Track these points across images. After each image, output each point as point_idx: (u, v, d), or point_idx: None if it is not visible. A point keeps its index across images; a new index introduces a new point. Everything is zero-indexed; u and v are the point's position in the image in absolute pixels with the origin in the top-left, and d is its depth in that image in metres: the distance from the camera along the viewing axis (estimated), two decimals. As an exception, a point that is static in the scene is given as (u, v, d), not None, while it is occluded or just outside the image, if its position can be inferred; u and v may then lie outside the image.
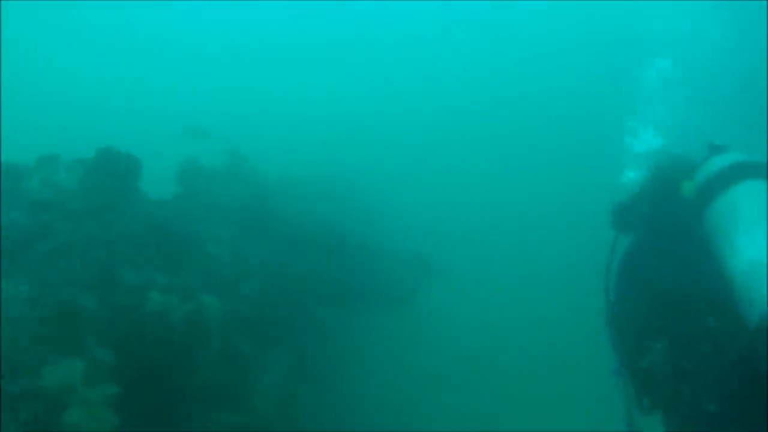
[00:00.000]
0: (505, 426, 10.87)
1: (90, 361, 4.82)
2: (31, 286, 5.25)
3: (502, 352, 13.30)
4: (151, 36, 27.83)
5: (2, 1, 19.22)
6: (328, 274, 9.64)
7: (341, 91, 25.38)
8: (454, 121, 23.63)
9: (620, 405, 3.19)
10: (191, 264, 7.36)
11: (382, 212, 12.16)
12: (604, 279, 3.40)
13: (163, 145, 11.75)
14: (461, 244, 15.78)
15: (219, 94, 23.47)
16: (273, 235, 9.45)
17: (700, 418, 2.44)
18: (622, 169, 3.70)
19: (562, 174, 20.00)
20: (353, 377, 9.43)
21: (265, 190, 10.38)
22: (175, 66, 25.91)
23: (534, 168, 21.21)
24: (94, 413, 4.17)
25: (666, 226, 3.19)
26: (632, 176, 3.59)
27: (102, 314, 5.77)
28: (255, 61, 27.40)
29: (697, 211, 2.75)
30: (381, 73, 26.83)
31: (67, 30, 26.55)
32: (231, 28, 29.18)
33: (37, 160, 7.07)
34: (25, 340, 4.66)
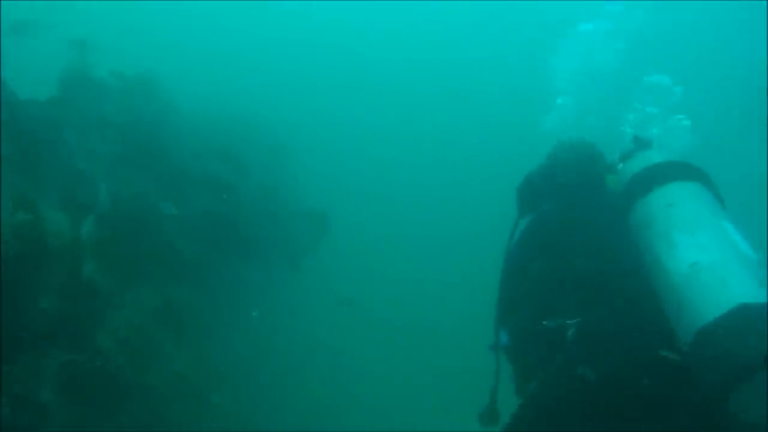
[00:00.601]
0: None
1: None
2: None
3: (396, 321, 12.91)
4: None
5: None
6: (217, 215, 8.75)
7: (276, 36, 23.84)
8: (374, 79, 22.81)
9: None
10: (49, 175, 6.30)
11: (286, 162, 11.28)
12: (505, 252, 3.20)
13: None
14: (365, 203, 15.24)
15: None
16: (161, 162, 8.42)
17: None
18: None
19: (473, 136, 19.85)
20: (229, 329, 8.65)
21: (161, 113, 9.28)
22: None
23: (445, 127, 20.91)
24: None
25: (580, 208, 3.10)
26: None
27: None
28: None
29: (625, 200, 2.72)
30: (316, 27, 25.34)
31: None
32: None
33: None
34: None
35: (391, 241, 15.94)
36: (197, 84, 12.87)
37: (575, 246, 2.82)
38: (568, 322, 2.51)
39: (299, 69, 21.99)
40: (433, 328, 12.59)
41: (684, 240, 2.30)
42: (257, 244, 9.36)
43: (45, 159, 6.33)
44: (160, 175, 8.19)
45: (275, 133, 11.36)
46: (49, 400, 4.98)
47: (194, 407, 6.77)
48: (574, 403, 2.31)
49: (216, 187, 8.72)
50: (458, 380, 10.75)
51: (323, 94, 20.70)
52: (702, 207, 2.45)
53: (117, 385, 5.89)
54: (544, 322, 2.57)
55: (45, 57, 8.40)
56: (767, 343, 1.91)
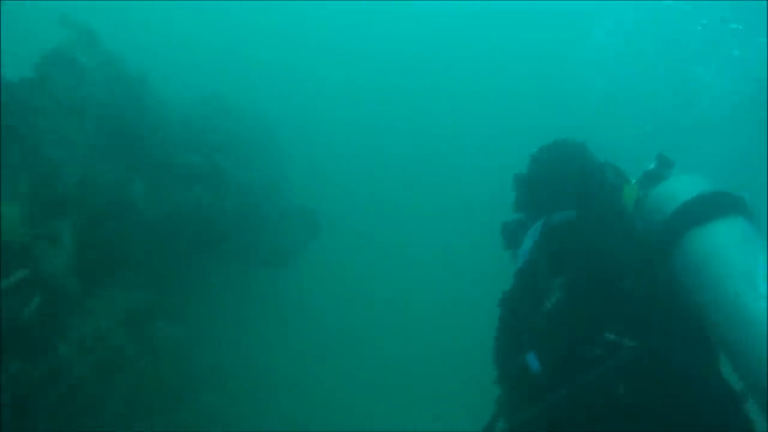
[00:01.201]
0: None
1: None
2: None
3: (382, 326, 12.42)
4: None
5: None
6: (201, 210, 8.16)
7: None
8: (370, 74, 22.20)
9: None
10: (13, 163, 5.72)
11: (276, 158, 10.67)
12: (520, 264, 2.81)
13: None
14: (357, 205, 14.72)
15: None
16: (142, 153, 7.83)
17: None
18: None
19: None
20: (208, 337, 8.08)
21: (144, 102, 8.66)
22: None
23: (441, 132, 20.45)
24: None
25: (608, 219, 2.83)
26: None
27: None
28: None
29: (675, 226, 2.61)
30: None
31: None
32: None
33: None
34: None
35: (385, 245, 15.44)
36: (186, 75, 12.30)
37: (617, 262, 2.55)
38: (626, 340, 2.24)
39: (296, 65, 21.39)
40: (427, 340, 12.13)
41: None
42: (241, 244, 8.81)
43: (8, 146, 5.75)
44: (140, 166, 7.60)
45: (265, 128, 10.77)
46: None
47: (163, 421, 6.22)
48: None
49: (199, 181, 8.13)
50: (450, 389, 10.36)
51: (322, 92, 20.15)
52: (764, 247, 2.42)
53: (78, 399, 5.34)
54: (606, 334, 2.26)
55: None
56: None
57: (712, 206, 2.56)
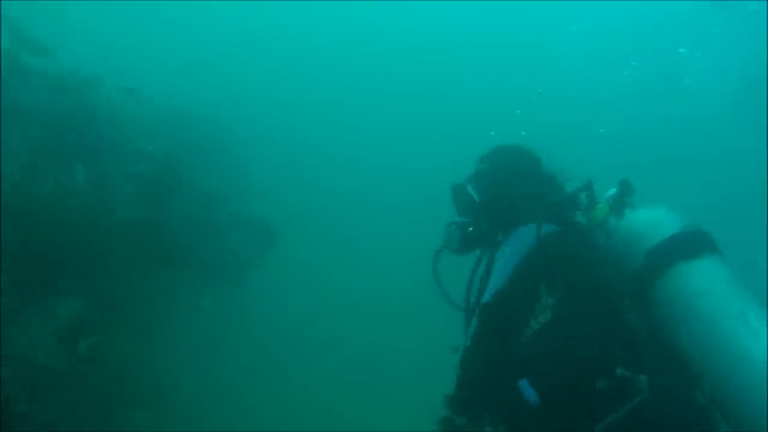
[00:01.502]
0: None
1: None
2: None
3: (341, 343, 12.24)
4: None
5: None
6: (149, 218, 7.89)
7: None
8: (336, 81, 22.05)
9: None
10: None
11: (232, 167, 10.41)
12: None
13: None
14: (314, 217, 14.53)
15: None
16: (87, 158, 7.53)
17: None
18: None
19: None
20: (155, 351, 7.80)
21: (93, 104, 8.34)
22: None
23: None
24: None
25: (588, 237, 2.73)
26: None
27: None
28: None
29: (656, 259, 2.52)
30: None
31: None
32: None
33: None
34: None
35: (347, 255, 15.29)
36: (142, 80, 11.99)
37: (611, 283, 2.50)
38: (640, 376, 2.16)
39: (257, 72, 21.12)
40: (392, 348, 12.00)
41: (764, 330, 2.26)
42: (193, 254, 8.54)
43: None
44: (84, 172, 7.33)
45: (222, 136, 10.52)
46: None
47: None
48: None
49: (147, 188, 7.88)
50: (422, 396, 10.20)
51: (282, 98, 19.92)
52: (747, 288, 2.42)
53: (4, 419, 5.05)
54: (618, 370, 2.16)
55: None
56: None
57: (696, 243, 2.52)
